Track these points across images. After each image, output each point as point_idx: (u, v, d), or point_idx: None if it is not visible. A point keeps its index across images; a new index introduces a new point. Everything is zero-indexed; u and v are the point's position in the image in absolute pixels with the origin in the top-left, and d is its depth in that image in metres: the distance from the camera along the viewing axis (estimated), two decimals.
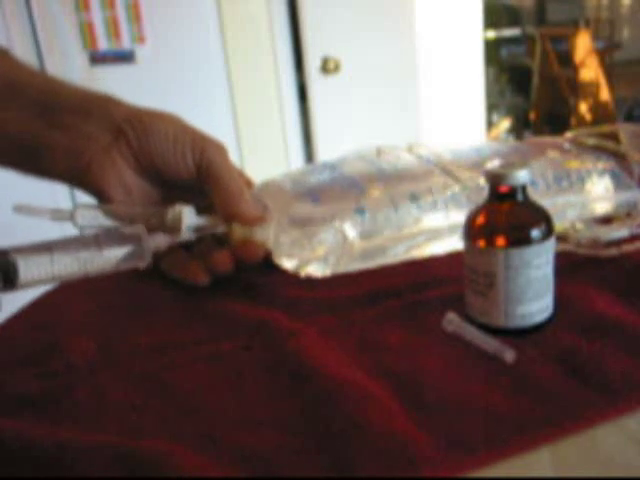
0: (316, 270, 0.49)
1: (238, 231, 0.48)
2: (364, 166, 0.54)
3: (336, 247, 0.48)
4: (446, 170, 0.54)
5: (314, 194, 0.51)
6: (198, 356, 0.41)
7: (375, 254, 0.50)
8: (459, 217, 0.50)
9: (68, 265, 0.39)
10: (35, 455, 0.31)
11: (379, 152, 0.57)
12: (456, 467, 0.30)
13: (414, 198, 0.51)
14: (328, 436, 0.32)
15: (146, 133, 0.47)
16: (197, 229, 0.47)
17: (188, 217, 0.46)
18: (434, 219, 0.51)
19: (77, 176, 0.48)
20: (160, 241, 0.44)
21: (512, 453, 0.31)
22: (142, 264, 0.43)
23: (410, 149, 0.58)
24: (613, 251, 0.50)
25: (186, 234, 0.46)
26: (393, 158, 0.56)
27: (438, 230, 0.51)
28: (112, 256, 0.41)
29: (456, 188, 0.52)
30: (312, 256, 0.48)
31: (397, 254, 0.51)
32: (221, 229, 0.48)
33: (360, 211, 0.49)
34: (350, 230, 0.48)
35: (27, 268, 0.37)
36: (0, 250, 0.37)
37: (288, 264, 0.49)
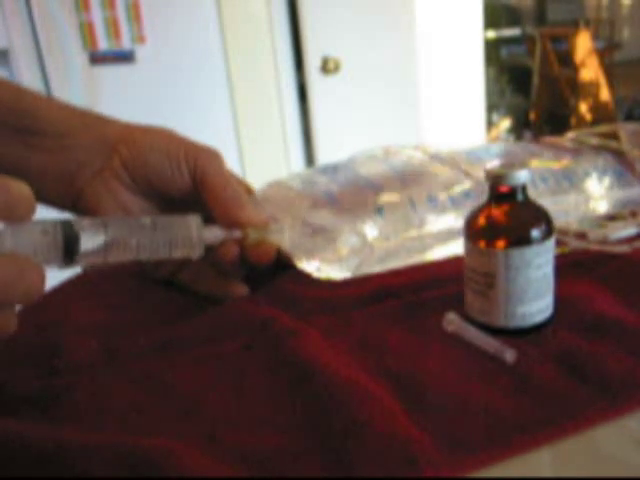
0: (337, 273, 0.48)
1: (252, 234, 0.47)
2: (378, 166, 0.54)
3: (357, 249, 0.48)
4: (460, 168, 0.53)
5: (331, 197, 0.50)
6: (199, 356, 0.41)
7: (396, 255, 0.50)
8: None
9: (121, 246, 0.38)
10: (35, 455, 0.31)
11: (387, 152, 0.57)
12: (457, 467, 0.30)
13: (431, 196, 0.50)
14: (328, 436, 0.32)
15: (139, 149, 0.47)
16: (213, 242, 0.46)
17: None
18: (452, 217, 0.51)
19: (70, 202, 0.48)
20: (216, 234, 0.44)
21: (512, 453, 0.31)
22: (194, 254, 0.42)
23: (423, 149, 0.58)
24: (625, 247, 0.49)
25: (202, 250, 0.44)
26: (405, 157, 0.56)
27: (456, 228, 0.51)
28: (166, 240, 0.40)
29: (471, 185, 0.52)
30: (333, 258, 0.48)
31: (415, 254, 0.50)
32: (237, 234, 0.46)
33: (379, 211, 0.49)
34: (370, 231, 0.48)
35: (86, 242, 0.36)
36: (64, 220, 0.35)
37: (309, 267, 0.48)
